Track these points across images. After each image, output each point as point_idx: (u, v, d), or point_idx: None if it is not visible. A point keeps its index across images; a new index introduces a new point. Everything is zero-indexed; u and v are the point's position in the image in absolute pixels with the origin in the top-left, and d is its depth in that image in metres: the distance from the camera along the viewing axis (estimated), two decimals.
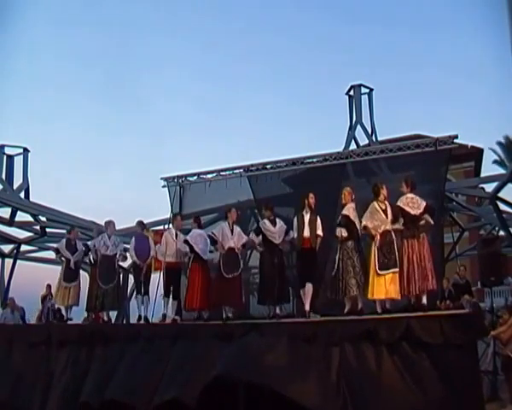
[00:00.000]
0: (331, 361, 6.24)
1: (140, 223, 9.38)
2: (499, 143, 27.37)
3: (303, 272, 7.48)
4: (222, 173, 11.31)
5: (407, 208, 6.94)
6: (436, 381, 5.84)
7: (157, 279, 9.64)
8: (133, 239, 9.09)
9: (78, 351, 8.14)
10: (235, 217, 8.23)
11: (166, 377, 7.06)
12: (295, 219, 7.64)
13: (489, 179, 12.47)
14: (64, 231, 14.57)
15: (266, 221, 7.89)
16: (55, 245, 10.03)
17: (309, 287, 7.29)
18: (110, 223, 9.42)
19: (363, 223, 7.06)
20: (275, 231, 7.79)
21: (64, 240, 9.87)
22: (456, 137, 9.39)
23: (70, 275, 9.58)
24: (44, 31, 46.40)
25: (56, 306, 10.60)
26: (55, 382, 8.06)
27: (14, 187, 14.08)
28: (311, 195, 7.68)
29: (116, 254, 9.21)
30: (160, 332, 7.82)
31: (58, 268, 10.00)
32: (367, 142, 12.74)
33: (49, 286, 11.38)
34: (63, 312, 10.22)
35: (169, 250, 8.59)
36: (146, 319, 8.73)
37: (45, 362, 8.36)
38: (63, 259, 9.63)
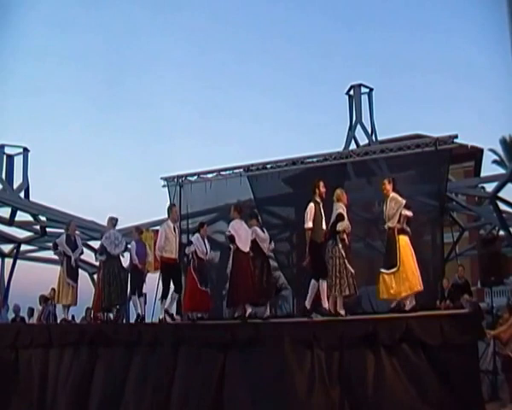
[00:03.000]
0: (332, 369, 6.21)
1: (137, 228, 9.50)
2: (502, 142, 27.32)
3: (321, 266, 6.93)
4: (222, 173, 11.32)
5: None
6: (436, 382, 5.82)
7: (156, 279, 9.66)
8: (134, 244, 9.05)
9: (86, 353, 8.08)
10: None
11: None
12: (311, 209, 7.01)
13: (489, 179, 12.50)
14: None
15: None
16: (56, 241, 9.62)
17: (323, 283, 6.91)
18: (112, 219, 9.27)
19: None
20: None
21: (64, 236, 9.51)
22: (456, 136, 9.41)
23: (73, 273, 9.37)
24: (44, 32, 46.36)
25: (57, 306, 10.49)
26: (61, 384, 8.03)
27: (14, 187, 14.10)
28: (322, 183, 7.19)
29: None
30: (163, 336, 7.59)
31: (58, 268, 9.91)
32: (367, 142, 12.75)
33: (53, 290, 11.32)
34: (63, 312, 9.78)
35: (168, 245, 8.09)
36: (143, 318, 8.79)
37: (51, 364, 8.33)
38: (61, 256, 9.39)
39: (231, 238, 7.62)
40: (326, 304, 6.83)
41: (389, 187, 6.98)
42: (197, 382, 6.87)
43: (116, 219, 9.19)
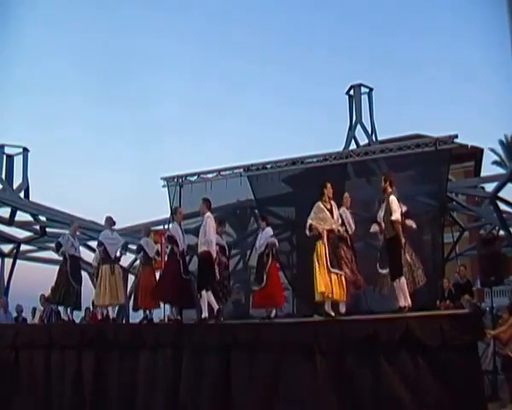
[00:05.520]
0: (333, 370, 6.19)
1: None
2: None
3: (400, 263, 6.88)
4: (222, 173, 11.30)
5: None
6: (436, 383, 5.81)
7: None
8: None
9: (90, 353, 8.07)
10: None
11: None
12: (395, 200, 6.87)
13: (489, 179, 12.50)
14: (64, 231, 14.60)
15: None
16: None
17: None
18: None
19: (309, 222, 7.09)
20: None
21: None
22: (456, 136, 9.38)
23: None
24: (44, 33, 46.52)
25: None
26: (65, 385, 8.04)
27: (14, 187, 14.09)
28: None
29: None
30: (165, 337, 7.57)
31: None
32: (367, 142, 12.75)
33: None
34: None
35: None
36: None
37: (53, 364, 8.32)
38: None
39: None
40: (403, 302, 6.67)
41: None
42: (203, 384, 6.89)
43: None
